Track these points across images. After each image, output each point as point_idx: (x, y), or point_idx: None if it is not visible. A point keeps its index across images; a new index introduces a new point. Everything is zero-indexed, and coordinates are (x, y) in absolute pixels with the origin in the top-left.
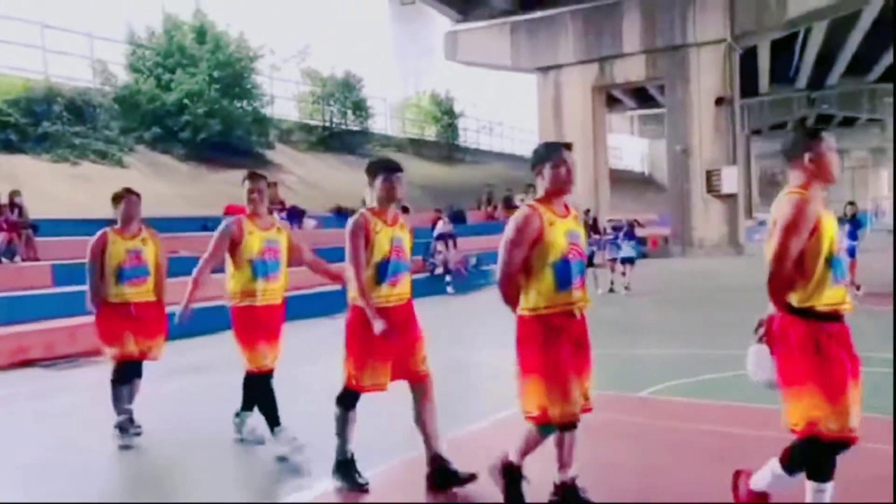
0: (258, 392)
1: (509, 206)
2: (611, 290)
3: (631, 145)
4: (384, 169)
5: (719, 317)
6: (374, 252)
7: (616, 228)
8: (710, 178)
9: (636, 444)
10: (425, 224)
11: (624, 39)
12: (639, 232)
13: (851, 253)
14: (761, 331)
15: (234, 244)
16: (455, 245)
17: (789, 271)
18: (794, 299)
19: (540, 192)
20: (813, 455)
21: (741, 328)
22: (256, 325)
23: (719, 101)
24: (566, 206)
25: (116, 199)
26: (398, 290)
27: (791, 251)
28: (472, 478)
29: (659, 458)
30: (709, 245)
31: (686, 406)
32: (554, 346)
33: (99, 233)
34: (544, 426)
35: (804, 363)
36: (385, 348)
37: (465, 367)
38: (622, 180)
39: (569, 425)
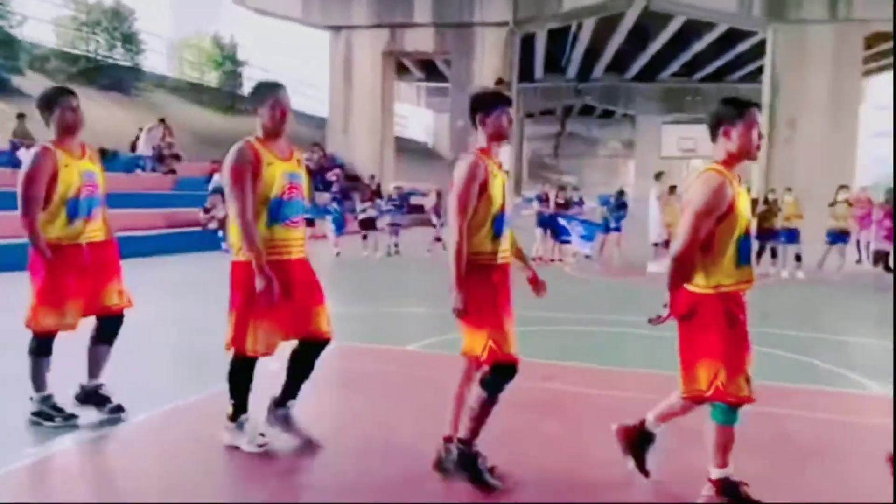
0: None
1: None
2: (388, 255)
3: (417, 116)
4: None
5: None
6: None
7: (400, 196)
8: None
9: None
10: (200, 175)
11: (415, 9)
12: (419, 201)
13: (607, 229)
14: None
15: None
16: None
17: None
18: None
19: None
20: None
21: None
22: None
23: (499, 82)
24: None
25: (48, 102)
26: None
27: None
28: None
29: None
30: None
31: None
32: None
33: (39, 148)
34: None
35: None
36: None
37: None
38: (407, 150)
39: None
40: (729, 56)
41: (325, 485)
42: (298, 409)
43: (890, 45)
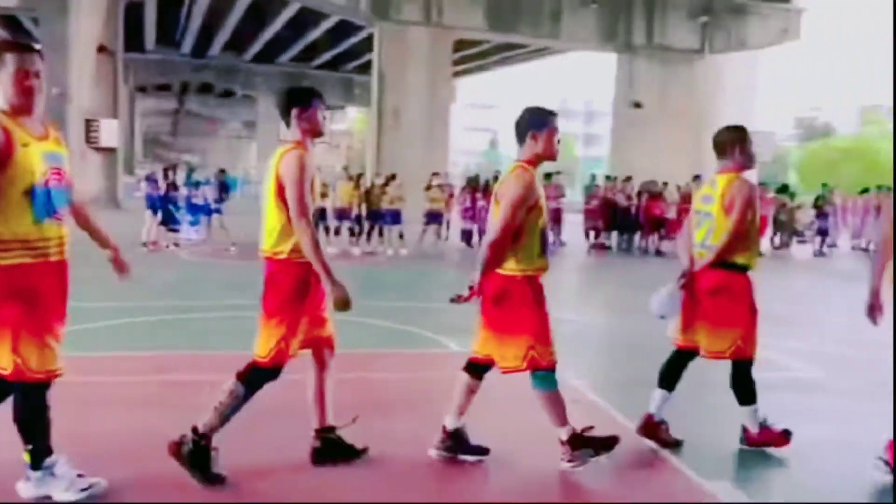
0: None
1: None
2: None
3: None
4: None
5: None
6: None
7: None
8: (89, 129)
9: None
10: None
11: None
12: None
13: (209, 211)
14: (681, 281)
15: None
16: None
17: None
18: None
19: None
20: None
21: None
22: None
23: (101, 49)
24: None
25: None
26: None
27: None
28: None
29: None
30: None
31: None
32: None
33: None
34: None
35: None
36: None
37: None
38: None
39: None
40: (344, 46)
41: None
42: None
43: (472, 51)
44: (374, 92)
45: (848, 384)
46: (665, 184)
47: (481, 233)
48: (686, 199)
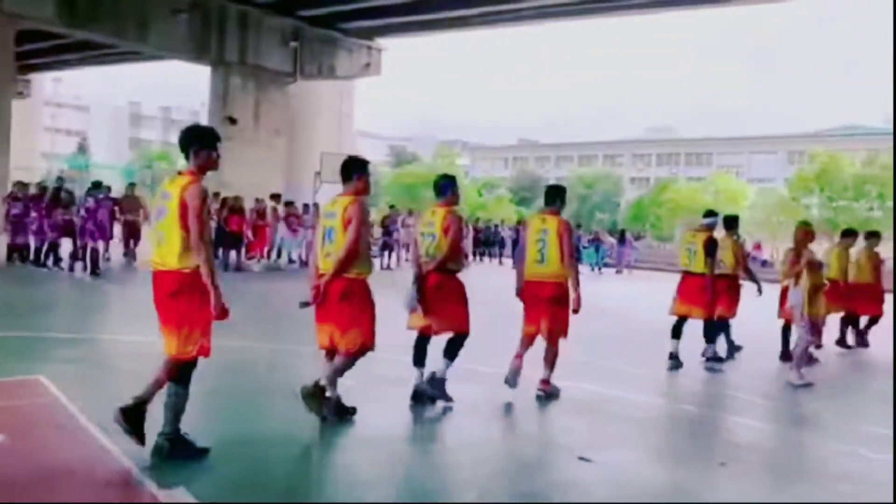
0: None
1: None
2: None
3: None
4: None
5: None
6: None
7: None
8: None
9: None
10: None
11: None
12: None
13: None
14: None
15: None
16: None
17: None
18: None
19: None
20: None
21: None
22: None
23: None
24: None
25: None
26: None
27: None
28: None
29: None
30: None
31: None
32: None
33: None
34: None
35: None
36: None
37: None
38: None
39: None
40: None
41: None
42: None
43: (38, 46)
44: None
45: None
46: (259, 200)
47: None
48: (261, 214)
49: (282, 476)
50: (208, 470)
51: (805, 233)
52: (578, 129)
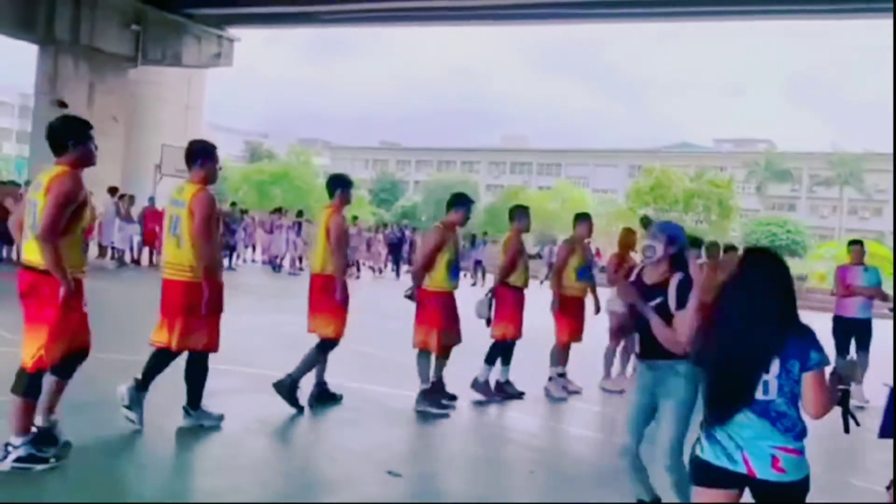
0: None
1: None
2: None
3: None
4: None
5: None
6: None
7: None
8: None
9: None
10: None
11: None
12: None
13: None
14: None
15: None
16: None
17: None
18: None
19: None
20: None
21: None
22: None
23: None
24: None
25: None
26: None
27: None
28: None
29: None
30: None
31: None
32: None
33: None
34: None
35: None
36: None
37: None
38: None
39: None
40: None
41: None
42: None
43: None
44: None
45: None
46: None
47: None
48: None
49: None
50: None
51: (627, 235)
52: (439, 133)
